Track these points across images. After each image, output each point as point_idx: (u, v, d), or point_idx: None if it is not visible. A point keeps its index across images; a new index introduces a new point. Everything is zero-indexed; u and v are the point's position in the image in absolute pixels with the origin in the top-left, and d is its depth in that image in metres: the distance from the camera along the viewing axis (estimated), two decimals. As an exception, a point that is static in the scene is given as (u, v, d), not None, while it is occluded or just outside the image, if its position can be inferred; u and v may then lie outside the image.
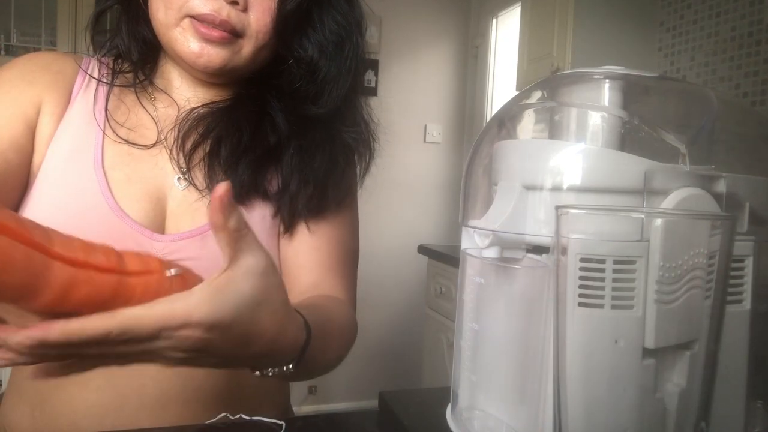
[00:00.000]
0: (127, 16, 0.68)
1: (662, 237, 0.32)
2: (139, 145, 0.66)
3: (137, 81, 0.68)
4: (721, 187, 0.43)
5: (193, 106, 0.68)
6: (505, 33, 2.74)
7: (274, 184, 0.68)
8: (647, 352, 0.33)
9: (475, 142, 0.54)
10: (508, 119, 0.54)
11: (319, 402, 2.80)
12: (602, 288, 0.33)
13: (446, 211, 2.95)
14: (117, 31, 0.69)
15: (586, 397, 0.33)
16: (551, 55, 2.03)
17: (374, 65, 2.78)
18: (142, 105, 0.68)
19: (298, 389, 2.71)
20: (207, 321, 0.36)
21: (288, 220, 0.68)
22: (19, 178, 0.61)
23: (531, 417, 0.44)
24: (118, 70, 0.69)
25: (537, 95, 0.54)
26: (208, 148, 0.66)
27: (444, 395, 0.53)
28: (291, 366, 0.46)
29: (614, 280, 0.33)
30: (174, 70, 0.69)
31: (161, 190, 0.65)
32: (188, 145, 0.66)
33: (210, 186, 0.66)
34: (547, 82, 0.54)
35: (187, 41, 0.61)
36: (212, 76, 0.66)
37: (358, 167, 0.74)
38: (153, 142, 0.66)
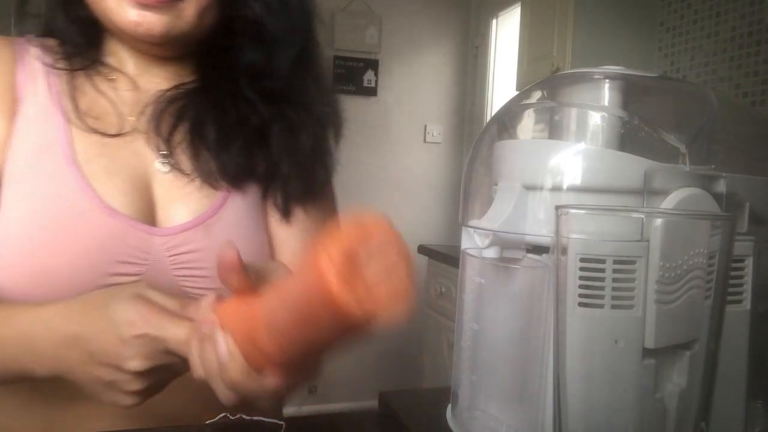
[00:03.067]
0: None
1: (662, 237, 0.32)
2: (110, 135, 0.60)
3: (89, 63, 0.63)
4: (721, 187, 0.43)
5: (161, 87, 0.64)
6: (505, 33, 2.73)
7: (261, 168, 0.65)
8: (647, 352, 0.33)
9: (475, 142, 0.54)
10: (508, 119, 0.54)
11: (319, 402, 2.79)
12: (602, 288, 0.33)
13: (446, 211, 2.95)
14: (52, 13, 0.63)
15: (586, 397, 0.33)
16: (551, 55, 2.03)
17: (374, 65, 2.78)
18: (99, 90, 0.62)
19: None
20: None
21: (283, 205, 0.66)
22: None
23: (531, 417, 0.44)
24: (62, 53, 0.62)
25: (537, 95, 0.54)
26: (188, 130, 0.62)
27: (444, 395, 0.53)
28: None
29: (614, 280, 0.33)
30: (122, 47, 0.64)
31: (145, 179, 0.61)
32: (165, 127, 0.62)
33: (198, 169, 0.62)
34: (547, 82, 0.54)
35: (123, 10, 0.56)
36: (157, 47, 0.61)
37: (332, 142, 0.71)
38: (123, 128, 0.61)
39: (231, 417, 0.56)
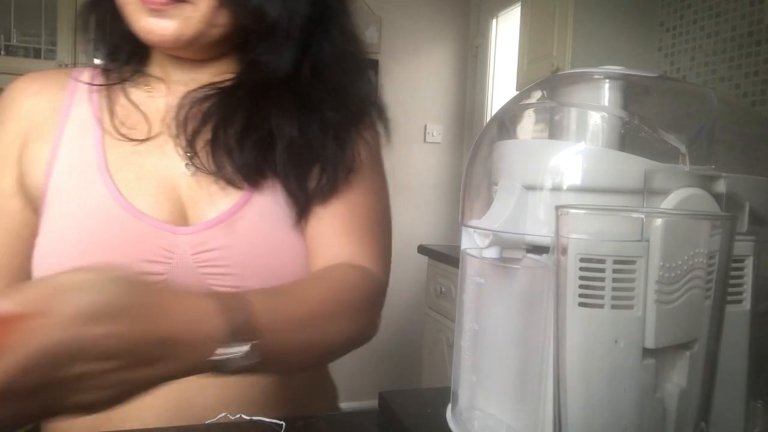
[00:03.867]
0: (111, 14, 0.65)
1: (662, 237, 0.32)
2: (139, 140, 0.64)
3: (128, 76, 0.67)
4: (721, 187, 0.43)
5: (191, 89, 0.66)
6: (505, 33, 2.74)
7: (276, 167, 0.65)
8: (647, 352, 0.33)
9: (475, 142, 0.54)
10: (508, 119, 0.54)
11: (319, 402, 2.79)
12: (602, 288, 0.33)
13: (446, 211, 2.95)
14: (102, 31, 0.67)
15: (586, 397, 0.33)
16: (551, 55, 2.03)
17: (374, 65, 2.78)
18: (133, 101, 0.66)
19: (298, 389, 2.71)
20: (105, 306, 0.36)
21: (302, 205, 0.65)
22: (34, 219, 0.63)
23: (531, 417, 0.44)
24: (110, 69, 0.68)
25: (537, 95, 0.54)
26: (212, 130, 0.64)
27: (444, 395, 0.53)
28: (247, 348, 0.44)
29: (614, 280, 0.33)
30: (163, 55, 0.67)
31: (172, 180, 0.64)
32: (190, 129, 0.64)
33: (219, 170, 0.63)
34: (547, 82, 0.54)
35: (138, 18, 0.59)
36: (184, 51, 0.63)
37: (378, 127, 0.71)
38: (151, 133, 0.65)
39: (231, 417, 0.57)
